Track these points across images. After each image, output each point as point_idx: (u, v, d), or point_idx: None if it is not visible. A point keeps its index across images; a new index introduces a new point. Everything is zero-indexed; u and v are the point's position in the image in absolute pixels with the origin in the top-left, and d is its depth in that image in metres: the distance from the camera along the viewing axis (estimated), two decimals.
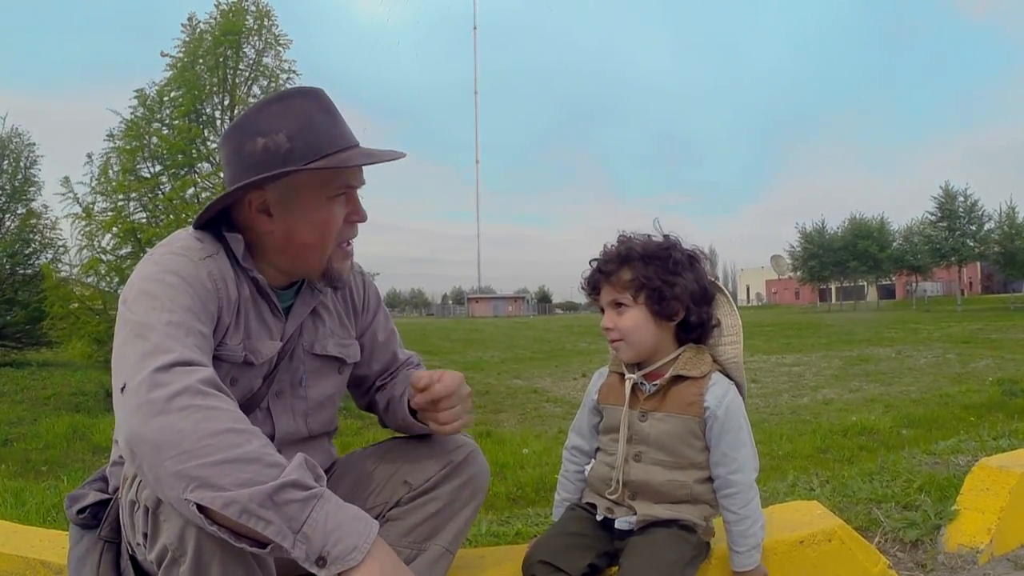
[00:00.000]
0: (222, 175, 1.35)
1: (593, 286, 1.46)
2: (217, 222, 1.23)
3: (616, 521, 1.43)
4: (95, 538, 1.22)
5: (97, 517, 1.23)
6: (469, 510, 1.37)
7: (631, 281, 1.39)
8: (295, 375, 1.32)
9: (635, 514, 1.41)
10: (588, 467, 1.53)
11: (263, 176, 1.14)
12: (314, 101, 1.21)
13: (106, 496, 1.24)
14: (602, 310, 1.46)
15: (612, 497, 1.44)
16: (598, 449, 1.54)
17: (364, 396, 1.53)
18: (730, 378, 1.45)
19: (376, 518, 1.20)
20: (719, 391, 1.41)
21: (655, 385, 1.43)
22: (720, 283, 1.51)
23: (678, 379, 1.43)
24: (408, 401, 1.38)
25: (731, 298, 1.50)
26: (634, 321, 1.40)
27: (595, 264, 1.46)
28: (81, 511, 1.24)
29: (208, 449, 0.86)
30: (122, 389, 0.94)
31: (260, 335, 1.24)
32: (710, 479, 1.43)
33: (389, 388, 1.48)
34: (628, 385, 1.44)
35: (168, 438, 0.87)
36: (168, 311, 1.04)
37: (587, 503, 1.50)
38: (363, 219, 1.28)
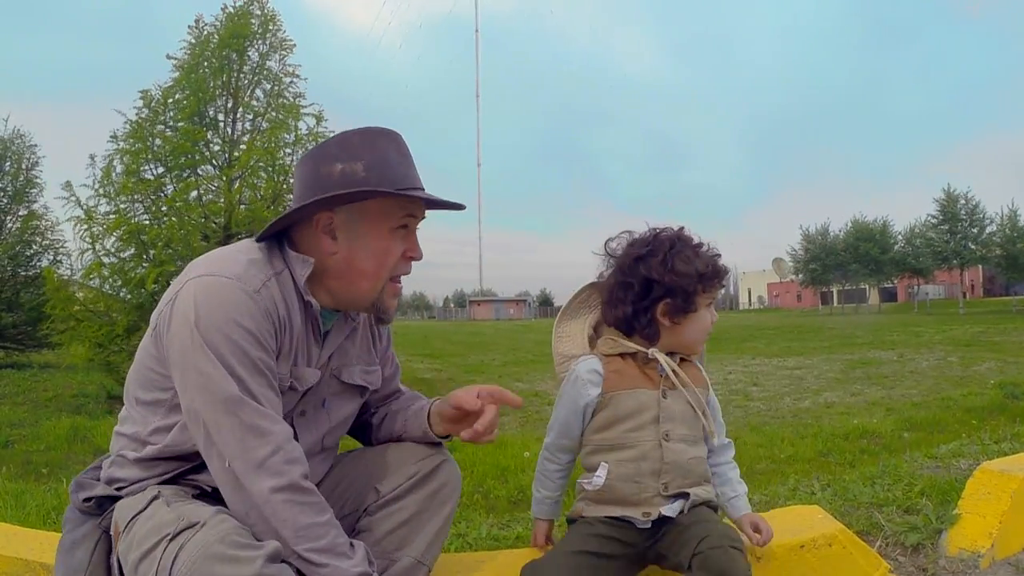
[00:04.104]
0: (291, 196, 1.43)
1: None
2: (277, 240, 1.28)
3: (664, 509, 1.41)
4: (94, 526, 1.24)
5: (102, 507, 1.25)
6: (439, 520, 1.38)
7: None
8: (318, 397, 1.35)
9: (684, 499, 1.42)
10: (598, 479, 1.45)
11: (340, 193, 1.20)
12: (392, 141, 1.28)
13: (114, 493, 1.25)
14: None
15: (664, 492, 1.41)
16: (591, 451, 1.49)
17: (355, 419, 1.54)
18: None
19: (351, 525, 1.35)
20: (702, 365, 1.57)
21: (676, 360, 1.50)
22: None
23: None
24: (428, 416, 1.45)
25: None
26: None
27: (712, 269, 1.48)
28: (87, 500, 1.27)
29: (303, 539, 1.10)
30: (228, 465, 1.11)
31: (304, 362, 1.29)
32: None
33: (383, 410, 1.54)
34: (664, 362, 1.46)
35: (276, 523, 1.10)
36: (247, 374, 1.13)
37: (611, 517, 1.44)
38: (419, 257, 1.33)
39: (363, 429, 1.56)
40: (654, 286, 1.44)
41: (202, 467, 1.21)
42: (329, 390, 1.36)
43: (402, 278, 1.33)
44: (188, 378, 1.13)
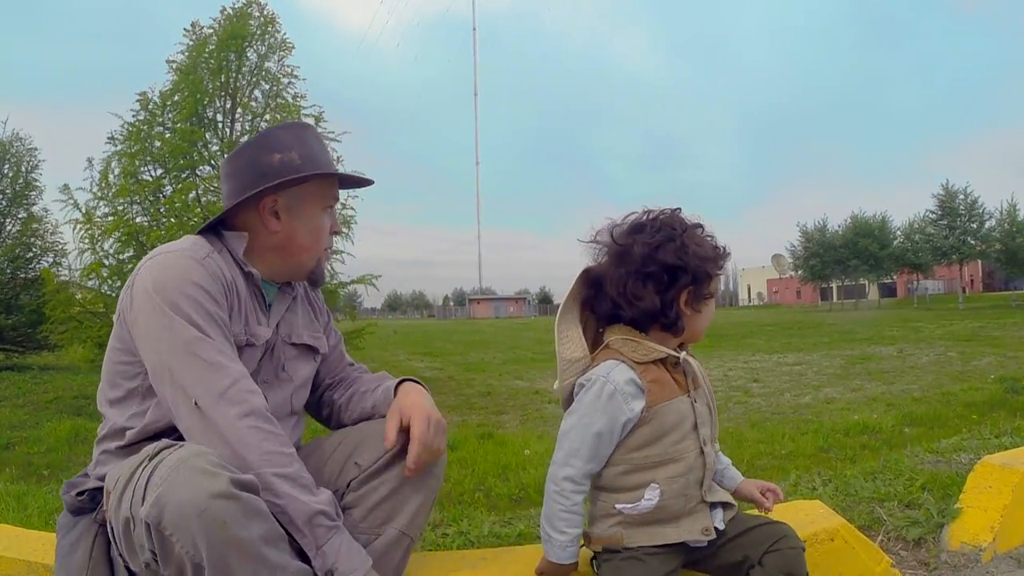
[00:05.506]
0: (222, 186, 1.52)
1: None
2: (213, 228, 1.41)
3: (717, 523, 1.37)
4: (90, 522, 1.26)
5: (96, 500, 1.27)
6: (423, 492, 1.40)
7: None
8: (277, 364, 1.45)
9: (724, 507, 1.39)
10: (648, 501, 1.32)
11: (292, 177, 1.36)
12: (313, 134, 1.50)
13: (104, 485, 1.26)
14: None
15: (705, 498, 1.35)
16: (629, 470, 1.34)
17: (313, 394, 1.60)
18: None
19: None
20: None
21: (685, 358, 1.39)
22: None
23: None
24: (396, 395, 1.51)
25: None
26: None
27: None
28: (80, 494, 1.30)
29: (267, 463, 1.17)
30: (195, 404, 1.18)
31: (255, 321, 1.40)
32: None
33: (344, 385, 1.62)
34: (693, 363, 1.38)
35: (241, 447, 1.16)
36: (204, 322, 1.23)
37: (664, 545, 1.33)
38: (340, 231, 1.57)
39: (333, 414, 1.60)
40: (680, 274, 1.32)
41: (180, 439, 1.23)
42: (285, 355, 1.47)
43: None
44: (151, 335, 1.22)
